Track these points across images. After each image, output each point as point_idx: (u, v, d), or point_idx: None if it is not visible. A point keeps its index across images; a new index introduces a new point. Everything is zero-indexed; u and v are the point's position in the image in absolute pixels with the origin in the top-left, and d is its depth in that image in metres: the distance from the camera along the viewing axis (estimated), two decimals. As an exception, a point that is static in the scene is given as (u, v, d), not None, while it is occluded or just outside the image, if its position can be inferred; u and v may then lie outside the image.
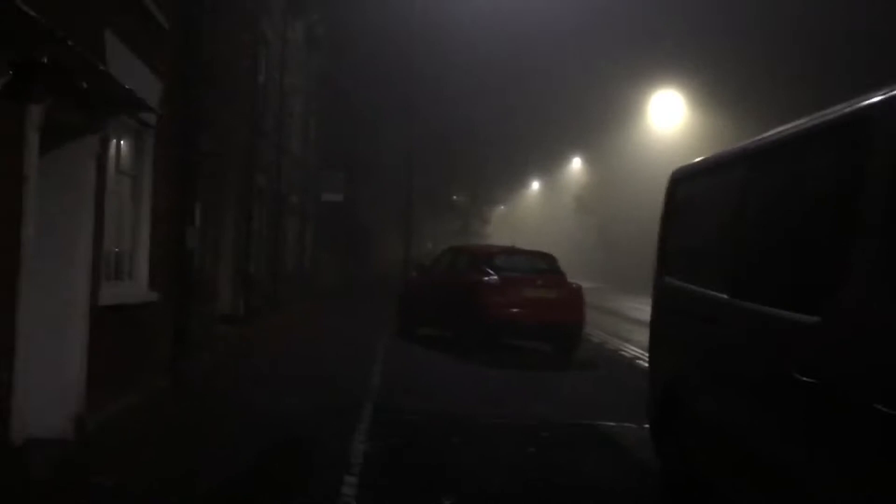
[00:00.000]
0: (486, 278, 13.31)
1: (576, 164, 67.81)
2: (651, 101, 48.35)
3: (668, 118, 47.36)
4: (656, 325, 6.25)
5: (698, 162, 5.80)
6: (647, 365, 14.16)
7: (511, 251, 14.39)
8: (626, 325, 21.00)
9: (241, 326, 14.74)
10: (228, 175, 14.22)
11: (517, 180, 65.70)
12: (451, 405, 9.29)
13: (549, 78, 50.28)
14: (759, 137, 4.65)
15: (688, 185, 5.88)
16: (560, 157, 66.32)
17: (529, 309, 13.18)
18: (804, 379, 3.58)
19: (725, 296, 4.64)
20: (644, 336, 18.83)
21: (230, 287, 15.05)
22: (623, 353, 15.33)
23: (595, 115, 51.14)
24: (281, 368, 11.38)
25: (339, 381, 10.40)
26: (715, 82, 39.20)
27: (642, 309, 27.20)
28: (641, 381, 12.40)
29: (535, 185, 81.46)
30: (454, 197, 52.00)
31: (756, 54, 33.72)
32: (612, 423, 8.73)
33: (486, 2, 37.57)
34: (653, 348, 6.40)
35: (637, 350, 15.58)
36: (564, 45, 48.25)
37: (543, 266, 14.15)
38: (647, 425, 8.79)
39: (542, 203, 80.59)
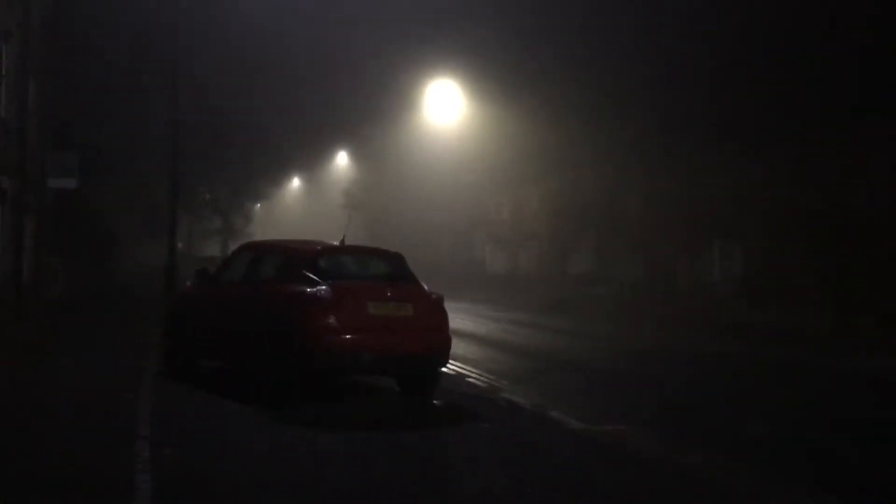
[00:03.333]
0: (312, 289, 8.75)
1: (341, 158, 64.06)
2: (427, 91, 45.27)
3: (446, 109, 44.51)
4: None
5: None
6: (524, 402, 10.17)
7: (342, 250, 9.78)
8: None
9: None
10: None
11: (281, 174, 60.79)
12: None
13: (315, 68, 46.19)
14: None
15: None
16: (325, 152, 62.35)
17: (376, 333, 8.81)
18: None
19: None
20: (472, 350, 15.14)
21: None
22: (475, 381, 11.35)
23: (367, 106, 47.58)
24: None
25: (72, 488, 5.54)
26: (493, 74, 36.87)
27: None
28: (544, 436, 7.97)
29: (296, 182, 77.02)
30: (208, 195, 46.04)
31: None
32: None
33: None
34: None
35: (486, 375, 11.76)
36: (331, 36, 45.07)
37: (390, 270, 9.71)
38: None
39: (306, 199, 76.32)
